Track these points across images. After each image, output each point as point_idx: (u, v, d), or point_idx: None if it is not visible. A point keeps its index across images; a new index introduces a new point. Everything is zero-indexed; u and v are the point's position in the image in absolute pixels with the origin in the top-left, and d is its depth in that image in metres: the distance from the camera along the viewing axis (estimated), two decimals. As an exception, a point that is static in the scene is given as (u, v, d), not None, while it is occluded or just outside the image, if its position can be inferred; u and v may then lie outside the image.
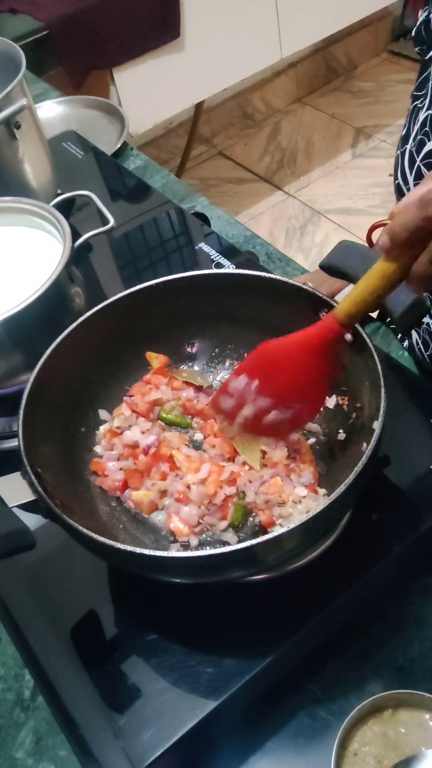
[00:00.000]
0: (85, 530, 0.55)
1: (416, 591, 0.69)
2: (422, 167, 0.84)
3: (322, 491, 0.67)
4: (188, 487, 0.67)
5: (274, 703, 0.64)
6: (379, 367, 0.61)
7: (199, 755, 0.62)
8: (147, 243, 1.07)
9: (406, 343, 0.98)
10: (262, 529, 0.66)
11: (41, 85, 1.60)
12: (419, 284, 0.53)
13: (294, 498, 0.66)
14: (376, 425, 0.58)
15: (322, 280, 0.95)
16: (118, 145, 1.32)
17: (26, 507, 0.58)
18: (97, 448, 0.73)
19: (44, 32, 1.79)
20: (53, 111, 1.49)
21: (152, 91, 2.18)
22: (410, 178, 0.87)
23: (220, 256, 1.00)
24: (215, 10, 2.17)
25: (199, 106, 2.59)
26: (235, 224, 1.14)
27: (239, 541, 0.63)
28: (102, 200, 0.95)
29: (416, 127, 0.86)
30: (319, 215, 2.71)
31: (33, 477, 0.59)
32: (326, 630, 0.65)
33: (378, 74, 3.28)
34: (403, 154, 0.89)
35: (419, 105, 0.87)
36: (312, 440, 0.72)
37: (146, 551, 0.54)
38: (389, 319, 1.00)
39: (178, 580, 0.59)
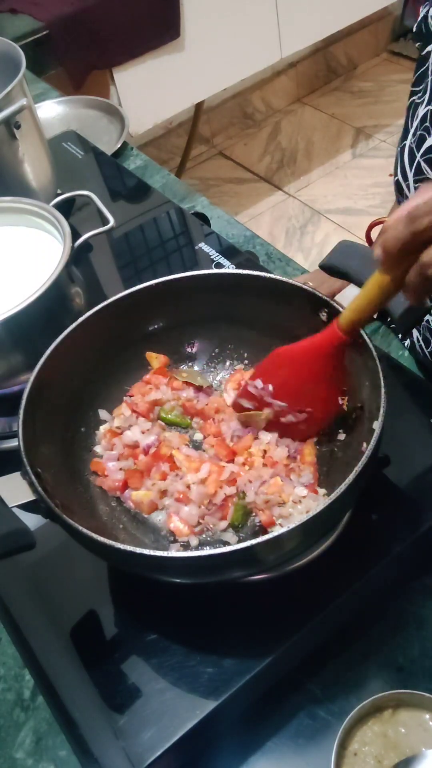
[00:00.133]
0: (85, 530, 0.55)
1: (416, 591, 0.69)
2: (422, 163, 0.84)
3: (322, 491, 0.67)
4: (188, 486, 0.67)
5: (274, 703, 0.64)
6: (379, 367, 0.61)
7: (199, 755, 0.62)
8: (147, 243, 1.07)
9: (407, 342, 0.98)
10: (262, 529, 0.66)
11: (41, 85, 1.60)
12: (413, 294, 0.54)
13: (294, 498, 0.66)
14: (376, 425, 0.58)
15: (322, 280, 0.95)
16: (118, 145, 1.32)
17: (26, 507, 0.58)
18: (97, 448, 0.73)
19: (44, 32, 1.79)
20: (53, 111, 1.49)
21: (152, 91, 2.18)
22: (410, 174, 0.87)
23: (220, 256, 1.00)
24: (215, 10, 2.17)
25: (199, 106, 2.59)
26: (235, 224, 1.15)
27: (239, 541, 0.63)
28: (102, 200, 0.95)
29: (415, 122, 0.86)
30: (319, 215, 2.71)
31: (33, 477, 0.59)
32: (326, 630, 0.65)
33: (378, 74, 3.28)
34: (402, 150, 0.89)
35: (417, 100, 0.87)
36: (313, 440, 0.72)
37: (146, 551, 0.54)
38: (389, 319, 1.00)
39: (178, 580, 0.59)
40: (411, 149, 0.86)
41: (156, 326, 0.78)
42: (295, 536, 0.55)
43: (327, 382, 0.67)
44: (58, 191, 1.10)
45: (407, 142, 0.87)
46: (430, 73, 0.85)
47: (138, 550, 0.54)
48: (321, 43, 2.98)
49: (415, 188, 0.86)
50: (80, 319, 0.71)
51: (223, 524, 0.66)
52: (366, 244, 0.94)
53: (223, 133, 3.08)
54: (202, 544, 0.66)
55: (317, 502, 0.65)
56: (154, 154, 2.75)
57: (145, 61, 2.09)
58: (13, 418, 0.77)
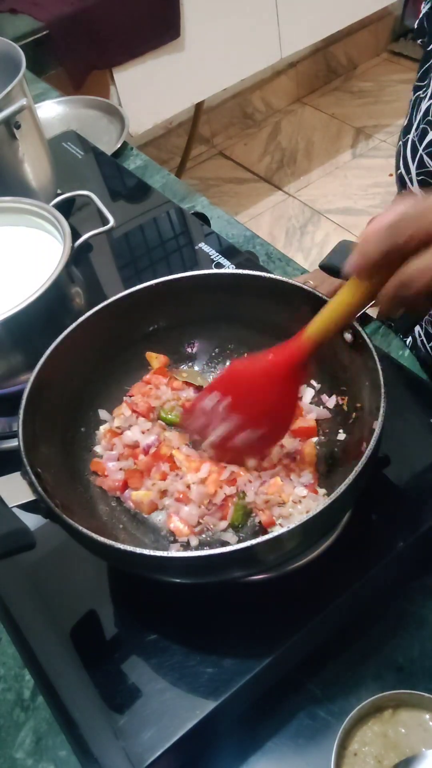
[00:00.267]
0: (85, 530, 0.55)
1: (416, 591, 0.69)
2: (425, 156, 0.84)
3: (322, 491, 0.67)
4: (188, 486, 0.67)
5: (274, 703, 0.64)
6: (379, 367, 0.61)
7: (199, 755, 0.62)
8: (147, 243, 1.07)
9: (408, 340, 0.98)
10: (262, 529, 0.66)
11: (41, 85, 1.60)
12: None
13: (294, 498, 0.66)
14: (376, 425, 0.58)
15: (322, 280, 0.95)
16: (118, 145, 1.32)
17: (26, 507, 0.58)
18: (97, 448, 0.73)
19: (44, 32, 1.79)
20: (53, 111, 1.49)
21: (152, 91, 2.18)
22: (412, 168, 0.87)
23: (220, 256, 1.00)
24: (215, 10, 2.17)
25: (199, 106, 2.59)
26: (235, 224, 1.15)
27: (239, 541, 0.63)
28: (102, 200, 0.95)
29: (418, 117, 0.87)
30: (319, 215, 2.71)
31: (33, 477, 0.59)
32: (326, 630, 0.65)
33: (378, 74, 3.28)
34: (405, 144, 0.89)
35: (421, 95, 0.88)
36: (312, 440, 0.72)
37: (146, 551, 0.54)
38: (389, 319, 1.00)
39: (178, 580, 0.59)
40: (414, 143, 0.87)
41: (156, 326, 0.78)
42: (295, 536, 0.55)
43: (286, 397, 0.65)
44: (58, 191, 1.10)
45: (410, 136, 0.88)
46: None
47: (138, 550, 0.54)
48: (321, 43, 2.98)
49: (419, 181, 0.86)
50: (80, 319, 0.71)
51: (223, 524, 0.66)
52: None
53: (223, 133, 3.08)
54: (202, 544, 0.66)
55: (317, 502, 0.65)
56: (154, 154, 2.76)
57: (145, 61, 2.09)
58: (13, 418, 0.77)
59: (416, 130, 0.87)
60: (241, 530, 0.67)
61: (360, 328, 0.64)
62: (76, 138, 1.29)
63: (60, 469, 0.67)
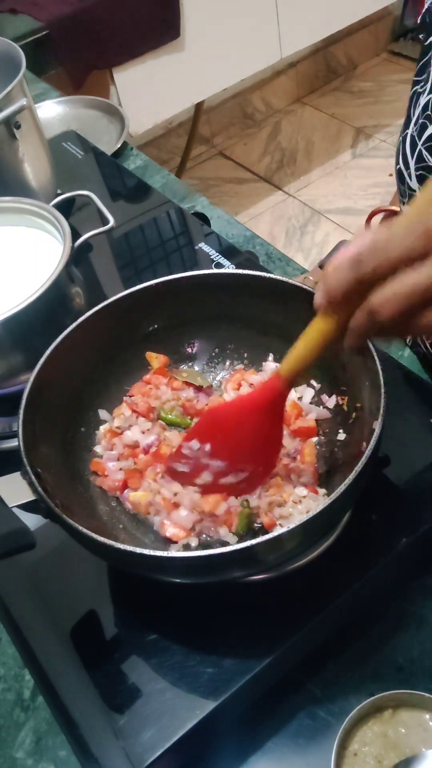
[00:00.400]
0: (85, 530, 0.55)
1: (416, 591, 0.69)
2: (424, 151, 0.84)
3: (322, 491, 0.67)
4: (175, 494, 0.67)
5: (274, 703, 0.64)
6: (379, 367, 0.61)
7: (199, 755, 0.62)
8: (147, 243, 1.07)
9: (408, 338, 0.98)
10: (262, 530, 0.66)
11: (41, 85, 1.60)
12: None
13: (294, 498, 0.66)
14: (376, 425, 0.58)
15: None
16: (118, 145, 1.32)
17: (26, 507, 0.58)
18: (97, 448, 0.73)
19: (44, 32, 1.79)
20: (53, 111, 1.49)
21: (152, 91, 2.18)
22: (411, 163, 0.87)
23: (220, 256, 1.00)
24: (215, 10, 2.17)
25: (199, 106, 2.59)
26: (235, 224, 1.15)
27: (239, 541, 0.63)
28: (102, 200, 0.94)
29: (417, 111, 0.87)
30: (319, 215, 2.71)
31: (33, 477, 0.59)
32: (326, 630, 0.65)
33: (378, 74, 3.28)
34: (404, 139, 0.89)
35: (419, 90, 0.88)
36: (312, 440, 0.72)
37: (146, 551, 0.54)
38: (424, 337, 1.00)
39: (178, 580, 0.59)
40: (413, 138, 0.87)
41: (156, 326, 0.78)
42: (295, 536, 0.54)
43: (267, 437, 0.64)
44: (58, 191, 1.10)
45: (409, 131, 0.88)
46: None
47: (138, 550, 0.54)
48: (321, 43, 2.98)
49: (417, 176, 0.87)
50: (80, 319, 0.71)
51: (224, 530, 0.66)
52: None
53: (223, 133, 3.08)
54: (202, 545, 0.66)
55: (317, 502, 0.65)
56: (154, 154, 2.76)
57: (145, 61, 2.09)
58: (13, 418, 0.77)
59: (415, 125, 0.87)
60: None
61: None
62: (76, 138, 1.29)
63: (60, 469, 0.67)
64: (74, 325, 0.70)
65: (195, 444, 0.63)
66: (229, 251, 1.00)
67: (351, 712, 0.57)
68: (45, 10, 1.83)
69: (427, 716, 0.58)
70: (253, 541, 0.53)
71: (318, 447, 0.71)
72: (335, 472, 0.68)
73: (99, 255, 1.05)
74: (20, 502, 0.58)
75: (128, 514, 0.69)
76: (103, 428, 0.74)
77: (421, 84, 0.88)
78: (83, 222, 1.07)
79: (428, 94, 0.85)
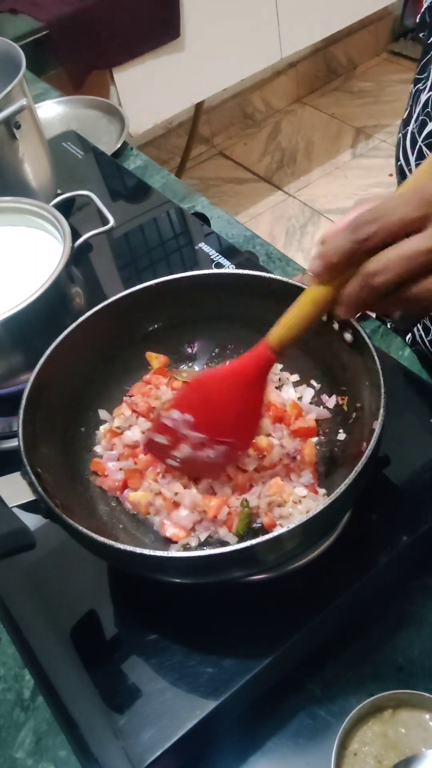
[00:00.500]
0: (85, 530, 0.55)
1: (416, 591, 0.69)
2: (424, 147, 0.85)
3: (322, 491, 0.67)
4: (176, 494, 0.67)
5: (274, 703, 0.64)
6: (379, 367, 0.61)
7: (199, 755, 0.62)
8: (147, 243, 1.07)
9: (408, 337, 0.98)
10: (262, 530, 0.65)
11: (41, 85, 1.60)
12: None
13: (294, 498, 0.66)
14: (376, 425, 0.58)
15: None
16: (118, 145, 1.32)
17: (26, 507, 0.58)
18: (97, 448, 0.73)
19: (44, 32, 1.79)
20: (53, 111, 1.49)
21: (152, 91, 2.18)
22: (412, 159, 0.88)
23: (220, 256, 1.00)
24: (215, 10, 2.17)
25: (199, 106, 2.59)
26: (235, 224, 1.14)
27: (239, 541, 0.63)
28: (102, 200, 0.95)
29: (418, 108, 0.87)
30: (319, 215, 2.71)
31: (33, 477, 0.59)
32: (326, 630, 0.65)
33: (378, 74, 3.28)
34: (404, 136, 0.90)
35: (420, 87, 0.88)
36: (312, 440, 0.72)
37: (146, 551, 0.54)
38: (389, 319, 1.00)
39: (178, 580, 0.59)
40: (413, 134, 0.87)
41: (156, 326, 0.78)
42: (295, 536, 0.54)
43: (249, 409, 0.64)
44: (58, 191, 1.10)
45: (409, 128, 0.89)
46: None
47: (138, 550, 0.54)
48: (321, 43, 2.98)
49: None
50: (80, 319, 0.71)
51: (224, 531, 0.66)
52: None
53: (223, 133, 3.08)
54: (202, 545, 0.66)
55: (317, 502, 0.65)
56: (154, 154, 2.76)
57: (145, 61, 2.09)
58: (13, 418, 0.77)
59: (416, 121, 0.87)
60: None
61: (360, 328, 0.64)
62: (76, 138, 1.29)
63: (60, 469, 0.67)
64: (74, 325, 0.70)
65: (176, 413, 0.63)
66: (229, 251, 1.00)
67: (351, 712, 0.57)
68: (45, 10, 1.83)
69: (427, 716, 0.58)
70: (253, 541, 0.53)
71: (318, 447, 0.71)
72: (335, 472, 0.68)
73: (99, 255, 1.05)
74: (20, 502, 0.58)
75: (128, 514, 0.69)
76: (103, 428, 0.74)
77: (423, 81, 0.88)
78: (83, 222, 1.07)
79: (429, 92, 0.85)
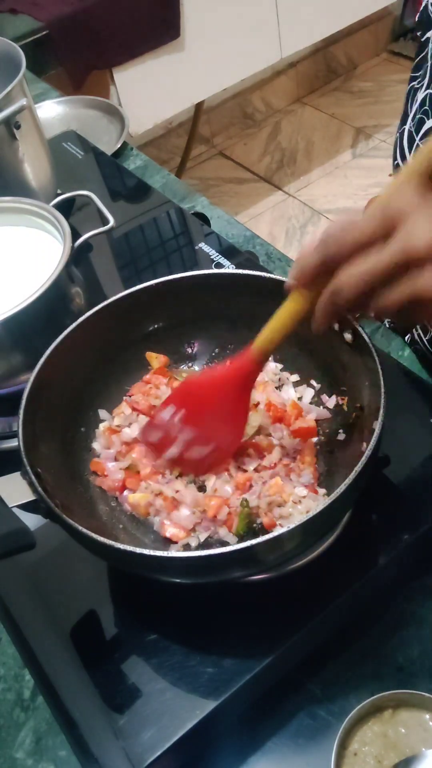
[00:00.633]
0: (85, 530, 0.55)
1: (416, 591, 0.69)
2: (421, 145, 0.85)
3: (322, 491, 0.67)
4: (177, 491, 0.67)
5: (274, 703, 0.64)
6: (379, 367, 0.61)
7: (199, 755, 0.62)
8: (147, 243, 1.07)
9: (407, 336, 0.99)
10: (262, 530, 0.65)
11: (41, 85, 1.60)
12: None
13: (294, 498, 0.66)
14: (376, 425, 0.58)
15: None
16: (118, 145, 1.32)
17: (26, 507, 0.58)
18: (95, 445, 0.73)
19: (44, 32, 1.79)
20: (53, 111, 1.49)
21: (152, 91, 2.18)
22: (409, 157, 0.88)
23: (220, 256, 1.00)
24: (215, 10, 2.17)
25: (199, 106, 2.59)
26: (235, 224, 1.14)
27: (239, 541, 0.63)
28: (102, 200, 0.95)
29: (415, 106, 0.87)
30: (319, 215, 2.71)
31: (33, 477, 0.59)
32: (326, 630, 0.65)
33: (378, 74, 3.28)
34: (402, 134, 0.90)
35: (416, 85, 0.88)
36: (312, 440, 0.72)
37: (146, 551, 0.54)
38: (389, 319, 1.00)
39: (178, 580, 0.59)
40: (410, 133, 0.87)
41: (156, 326, 0.78)
42: (295, 536, 0.55)
43: (234, 413, 0.67)
44: (58, 191, 1.10)
45: (406, 127, 0.89)
46: (429, 57, 0.86)
47: (138, 550, 0.54)
48: (321, 43, 2.98)
49: None
50: (80, 319, 0.71)
51: (224, 530, 0.66)
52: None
53: (223, 133, 3.08)
54: (202, 545, 0.66)
55: (317, 502, 0.65)
56: (154, 154, 2.76)
57: (145, 61, 2.09)
58: (13, 418, 0.77)
59: (412, 120, 0.87)
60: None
61: (360, 328, 0.64)
62: (76, 138, 1.29)
63: (60, 469, 0.67)
64: (74, 325, 0.70)
65: (170, 410, 0.67)
66: (229, 251, 1.00)
67: (351, 712, 0.57)
68: (45, 10, 1.83)
69: (427, 716, 0.58)
70: (253, 541, 0.53)
71: (318, 447, 0.71)
72: (335, 472, 0.68)
73: (99, 255, 1.05)
74: (20, 502, 0.58)
75: (128, 514, 0.69)
76: (102, 425, 0.74)
77: (419, 80, 0.89)
78: (83, 222, 1.07)
79: (425, 90, 0.85)
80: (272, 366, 0.77)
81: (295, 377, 0.77)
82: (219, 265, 0.98)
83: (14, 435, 0.63)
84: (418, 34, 0.92)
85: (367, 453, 0.56)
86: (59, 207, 0.89)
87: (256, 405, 0.72)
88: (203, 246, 1.02)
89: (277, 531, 0.53)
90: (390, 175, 0.94)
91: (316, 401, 0.74)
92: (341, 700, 0.63)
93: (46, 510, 0.58)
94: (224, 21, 2.21)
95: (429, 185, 0.51)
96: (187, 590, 0.63)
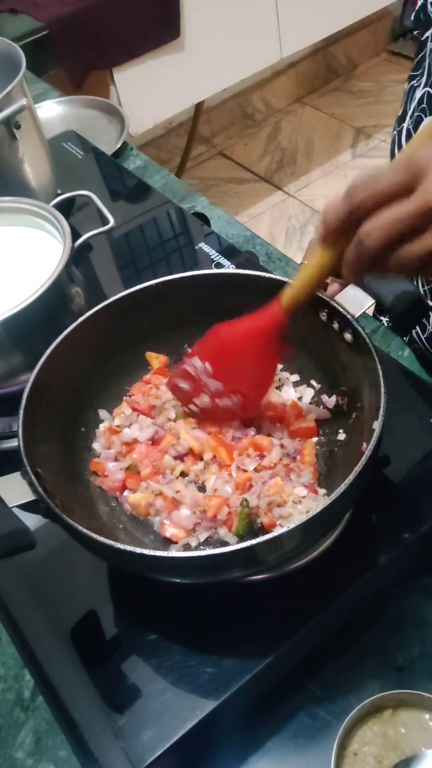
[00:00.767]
0: (85, 530, 0.55)
1: (416, 591, 0.69)
2: None
3: (322, 491, 0.67)
4: (177, 492, 0.67)
5: (274, 703, 0.64)
6: (378, 367, 0.61)
7: (199, 755, 0.62)
8: (147, 243, 1.07)
9: (407, 336, 0.99)
10: (262, 530, 0.65)
11: (41, 85, 1.60)
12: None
13: (294, 498, 0.66)
14: (376, 425, 0.58)
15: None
16: (118, 145, 1.32)
17: (26, 507, 0.58)
18: (95, 445, 0.73)
19: (44, 32, 1.79)
20: (53, 111, 1.49)
21: (152, 91, 2.18)
22: None
23: (220, 256, 1.00)
24: (215, 10, 2.17)
25: (199, 106, 2.59)
26: (235, 224, 1.14)
27: (239, 541, 0.63)
28: (102, 200, 0.95)
29: (413, 105, 0.88)
30: (319, 215, 2.71)
31: (33, 477, 0.59)
32: (326, 630, 0.65)
33: (378, 74, 3.28)
34: (399, 132, 0.90)
35: (415, 84, 0.89)
36: (312, 440, 0.72)
37: (146, 551, 0.54)
38: (388, 319, 1.00)
39: (178, 580, 0.59)
40: (408, 131, 0.88)
41: (156, 326, 0.78)
42: (295, 536, 0.55)
43: (262, 363, 0.68)
44: (58, 191, 1.10)
45: (405, 125, 0.89)
46: (427, 56, 0.87)
47: (138, 550, 0.54)
48: (321, 43, 2.98)
49: None
50: (80, 319, 0.71)
51: (224, 530, 0.66)
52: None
53: (223, 133, 3.08)
54: (202, 545, 0.66)
55: (317, 502, 0.65)
56: (154, 154, 2.76)
57: (145, 61, 2.09)
58: (13, 418, 0.77)
59: (411, 118, 0.88)
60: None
61: (360, 328, 0.64)
62: (76, 138, 1.29)
63: (60, 469, 0.67)
64: (74, 325, 0.70)
65: (197, 361, 0.68)
66: (229, 251, 1.00)
67: (351, 712, 0.57)
68: (45, 10, 1.83)
69: (427, 716, 0.58)
70: (253, 541, 0.53)
71: (318, 447, 0.71)
72: (335, 472, 0.68)
73: (99, 255, 1.05)
74: (20, 502, 0.58)
75: (128, 514, 0.69)
76: (102, 426, 0.74)
77: (417, 78, 0.89)
78: (83, 222, 1.07)
79: (424, 88, 0.86)
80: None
81: (295, 377, 0.77)
82: (219, 265, 0.98)
83: (14, 435, 0.63)
84: (417, 33, 0.93)
85: (367, 453, 0.56)
86: (59, 207, 0.89)
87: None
88: (203, 246, 1.02)
89: (277, 531, 0.53)
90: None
91: (316, 401, 0.74)
92: (341, 700, 0.63)
93: (46, 510, 0.58)
94: (224, 21, 2.21)
95: None
96: (187, 590, 0.63)
